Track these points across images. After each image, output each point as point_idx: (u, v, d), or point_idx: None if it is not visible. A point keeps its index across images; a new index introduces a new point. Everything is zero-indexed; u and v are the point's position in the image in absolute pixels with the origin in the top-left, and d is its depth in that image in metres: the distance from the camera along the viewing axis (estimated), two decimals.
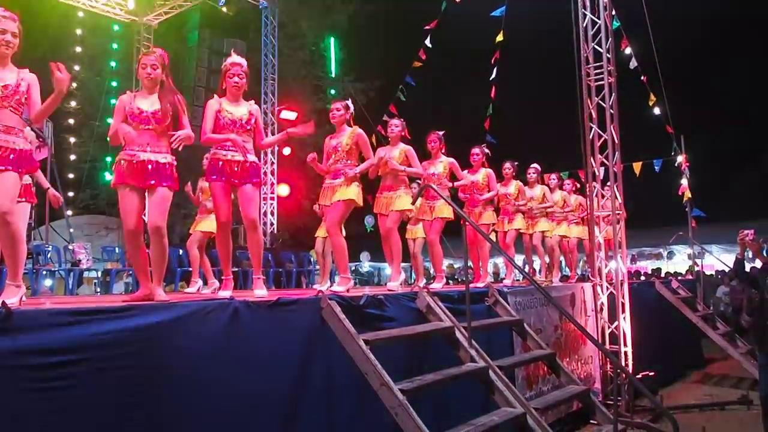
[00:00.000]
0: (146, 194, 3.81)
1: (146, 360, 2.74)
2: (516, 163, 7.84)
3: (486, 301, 5.13)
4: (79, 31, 16.21)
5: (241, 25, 15.94)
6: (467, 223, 4.54)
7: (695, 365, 9.80)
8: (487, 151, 7.15)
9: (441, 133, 6.55)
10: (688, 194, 11.48)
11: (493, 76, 11.64)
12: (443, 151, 6.50)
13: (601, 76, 7.33)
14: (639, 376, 6.96)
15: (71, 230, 12.59)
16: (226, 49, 15.00)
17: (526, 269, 13.31)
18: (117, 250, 11.19)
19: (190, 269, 6.85)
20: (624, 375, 6.55)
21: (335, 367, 3.58)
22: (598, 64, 7.38)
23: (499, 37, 10.98)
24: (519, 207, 7.65)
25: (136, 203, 3.83)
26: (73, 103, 16.23)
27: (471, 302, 4.91)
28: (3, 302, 2.30)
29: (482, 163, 7.01)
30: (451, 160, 6.45)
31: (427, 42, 11.52)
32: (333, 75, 19.90)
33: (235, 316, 3.12)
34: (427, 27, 11.84)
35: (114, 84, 15.80)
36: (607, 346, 7.17)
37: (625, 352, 7.04)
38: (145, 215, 3.79)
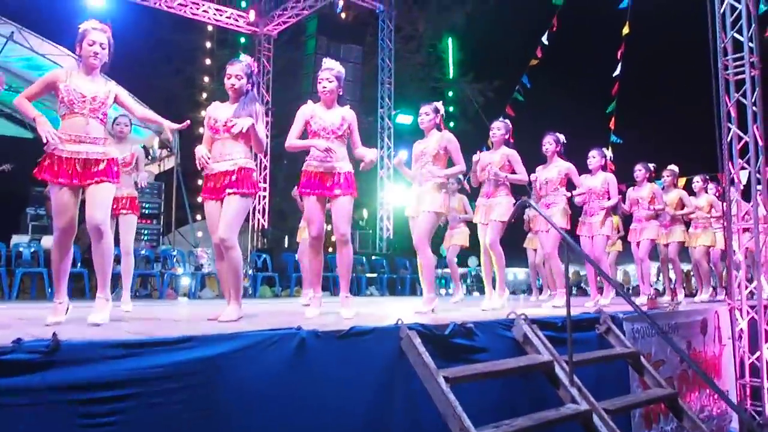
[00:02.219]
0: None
1: (203, 395, 2.61)
2: (652, 165, 7.12)
3: (596, 329, 4.58)
4: (208, 44, 17.17)
5: (358, 30, 16.06)
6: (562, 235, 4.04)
7: None
8: (608, 153, 6.53)
9: (559, 135, 6.06)
10: None
11: (617, 72, 10.78)
12: (560, 154, 6.01)
13: (742, 68, 6.40)
14: None
15: (199, 234, 13.26)
16: (343, 55, 15.16)
17: (659, 284, 12.19)
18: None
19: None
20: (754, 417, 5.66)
21: (418, 407, 3.27)
22: (738, 55, 6.46)
23: (626, 30, 10.13)
24: (655, 212, 6.94)
25: (215, 216, 3.81)
26: (203, 113, 17.20)
27: (578, 330, 4.45)
28: (53, 334, 2.24)
29: (601, 167, 6.40)
30: (568, 165, 5.94)
31: (544, 39, 10.90)
32: (451, 77, 19.58)
33: (301, 347, 2.92)
34: (553, 28, 11.18)
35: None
36: (747, 379, 6.25)
37: None
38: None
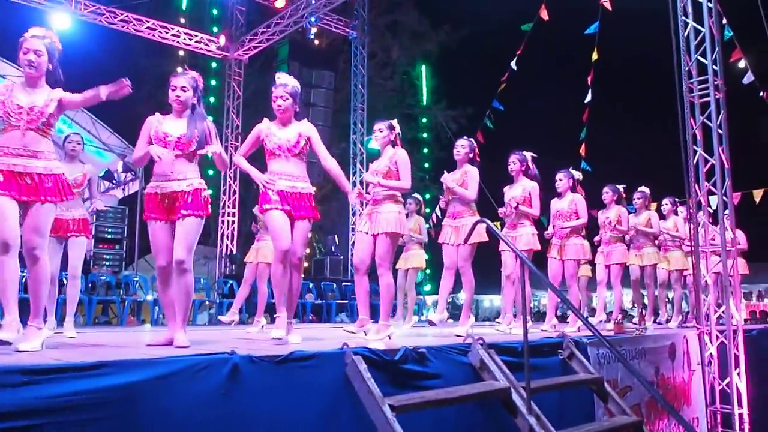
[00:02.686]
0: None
1: (120, 427, 2.37)
2: (621, 186, 7.06)
3: (559, 354, 4.41)
4: (179, 70, 16.98)
5: (331, 56, 16.04)
6: (517, 253, 3.89)
7: None
8: (576, 175, 6.45)
9: (525, 153, 5.98)
10: None
11: (588, 98, 10.81)
12: (526, 173, 5.92)
13: (707, 91, 6.39)
14: None
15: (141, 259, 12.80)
16: (315, 81, 15.12)
17: (634, 308, 12.13)
18: (202, 280, 11.31)
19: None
20: None
21: None
22: (702, 78, 6.45)
23: (594, 56, 10.17)
24: (620, 234, 6.87)
25: (165, 237, 3.60)
26: None
27: (540, 355, 4.28)
28: None
29: (570, 188, 6.32)
30: (533, 184, 5.85)
31: (513, 65, 10.92)
32: (424, 103, 19.61)
33: (234, 374, 2.69)
34: (518, 52, 11.23)
35: (211, 119, 16.35)
36: (717, 406, 6.10)
37: (740, 415, 5.95)
38: None
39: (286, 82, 4.20)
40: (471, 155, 5.49)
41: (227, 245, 13.61)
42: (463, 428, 3.49)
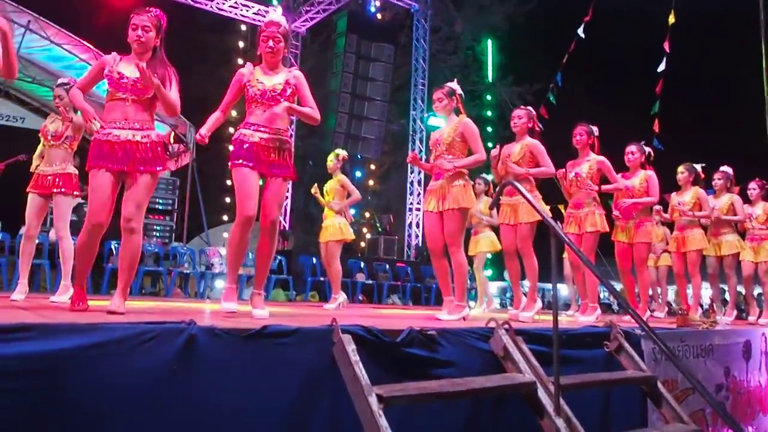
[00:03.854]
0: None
1: (43, 402, 2.01)
2: (699, 166, 6.26)
3: (605, 346, 3.79)
4: (241, 44, 16.93)
5: (391, 29, 15.50)
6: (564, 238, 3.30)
7: None
8: (648, 149, 5.74)
9: (592, 126, 5.33)
10: None
11: (662, 67, 9.84)
12: (594, 148, 5.29)
13: None
14: None
15: (225, 235, 12.81)
16: (374, 54, 14.67)
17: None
18: (250, 255, 11.15)
19: (322, 279, 6.40)
20: None
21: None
22: None
23: (671, 18, 9.19)
24: (698, 219, 6.09)
25: (110, 192, 3.22)
26: (234, 113, 16.96)
27: (581, 346, 3.69)
28: None
29: (641, 165, 5.62)
30: (601, 158, 5.22)
31: (581, 31, 10.08)
32: (489, 80, 18.79)
33: (189, 348, 2.28)
34: (586, 18, 10.41)
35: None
36: None
37: None
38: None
39: (279, 21, 3.73)
40: (530, 125, 4.93)
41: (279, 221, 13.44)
42: (474, 428, 2.97)
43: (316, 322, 2.77)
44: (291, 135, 12.15)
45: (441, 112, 4.47)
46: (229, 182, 16.47)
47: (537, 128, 4.95)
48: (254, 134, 3.57)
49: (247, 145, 3.55)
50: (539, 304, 4.77)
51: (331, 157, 6.25)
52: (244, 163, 3.51)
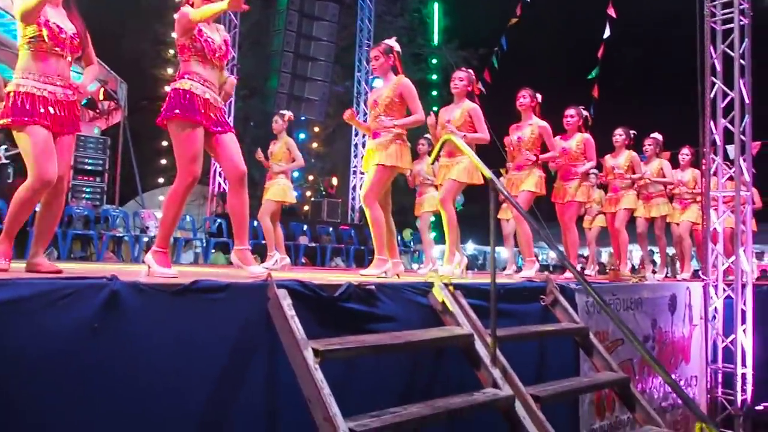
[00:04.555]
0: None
1: None
2: (633, 132, 6.39)
3: (541, 300, 3.87)
4: None
5: None
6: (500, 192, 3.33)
7: None
8: (585, 113, 5.81)
9: (534, 92, 5.33)
10: None
11: (607, 34, 9.98)
12: (536, 112, 5.30)
13: (730, 16, 5.65)
14: (761, 406, 5.38)
15: (142, 196, 12.41)
16: (318, 13, 14.31)
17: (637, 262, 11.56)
18: (188, 218, 10.85)
19: (264, 242, 6.23)
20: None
21: (282, 389, 2.55)
22: (726, 0, 5.70)
23: None
24: (632, 183, 6.24)
25: (51, 147, 3.03)
26: (170, 71, 16.27)
27: (517, 300, 3.76)
28: None
29: (578, 128, 5.70)
30: (543, 124, 5.24)
31: None
32: (435, 43, 18.68)
33: (111, 305, 2.17)
34: None
35: None
36: (720, 364, 5.60)
37: (743, 375, 5.45)
38: None
39: None
40: (470, 88, 4.89)
41: (219, 183, 13.11)
42: (413, 381, 3.00)
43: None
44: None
45: (378, 71, 4.35)
46: (164, 143, 15.94)
47: (477, 91, 4.93)
48: (206, 90, 3.36)
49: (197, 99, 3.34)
50: (458, 257, 4.70)
51: (276, 118, 6.09)
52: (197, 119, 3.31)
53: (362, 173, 14.34)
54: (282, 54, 13.79)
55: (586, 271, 6.52)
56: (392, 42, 4.35)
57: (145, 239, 9.74)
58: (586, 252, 8.65)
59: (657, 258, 7.84)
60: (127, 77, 11.30)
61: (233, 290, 2.51)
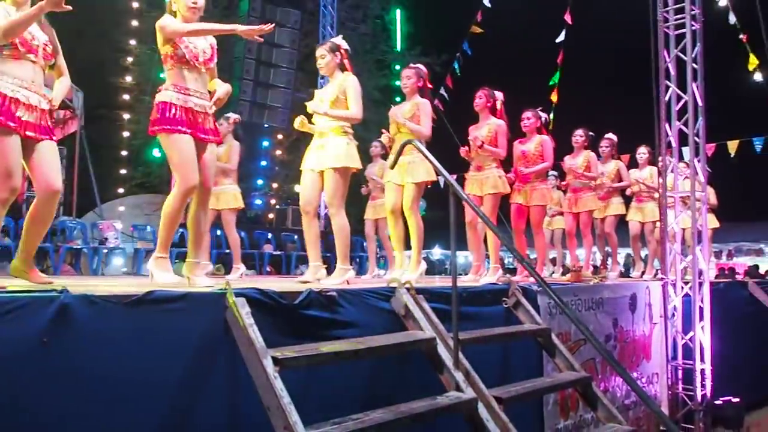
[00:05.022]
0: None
1: None
2: (591, 133, 6.47)
3: (504, 302, 3.90)
4: (136, 4, 15.93)
5: None
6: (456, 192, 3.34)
7: None
8: (544, 115, 5.85)
9: (496, 92, 5.30)
10: None
11: (562, 38, 10.16)
12: (495, 112, 5.28)
13: (683, 21, 5.80)
14: (719, 401, 5.51)
15: (100, 206, 12.18)
16: (281, 20, 14.25)
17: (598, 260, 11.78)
18: (149, 228, 10.63)
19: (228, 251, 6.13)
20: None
21: (242, 399, 2.51)
22: (678, 6, 5.85)
23: None
24: (589, 181, 6.31)
25: (18, 154, 2.95)
26: (129, 78, 15.96)
27: (481, 303, 3.77)
28: None
29: (536, 130, 5.73)
30: (500, 122, 5.21)
31: (486, 1, 10.22)
32: (398, 49, 18.78)
33: (62, 318, 2.10)
34: None
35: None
36: (679, 361, 5.72)
37: (702, 370, 5.57)
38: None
39: None
40: (420, 84, 4.84)
41: None
42: (376, 387, 2.97)
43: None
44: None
45: (325, 71, 4.18)
46: (124, 153, 15.61)
47: (427, 87, 4.87)
48: (188, 99, 3.35)
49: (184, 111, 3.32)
50: (424, 265, 4.67)
51: (221, 121, 5.79)
52: (182, 129, 3.28)
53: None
54: (244, 61, 13.70)
55: (554, 275, 6.58)
56: (339, 40, 4.24)
57: (105, 251, 9.53)
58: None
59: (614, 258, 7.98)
60: (84, 85, 11.04)
61: (190, 300, 2.46)
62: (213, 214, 5.77)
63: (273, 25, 3.43)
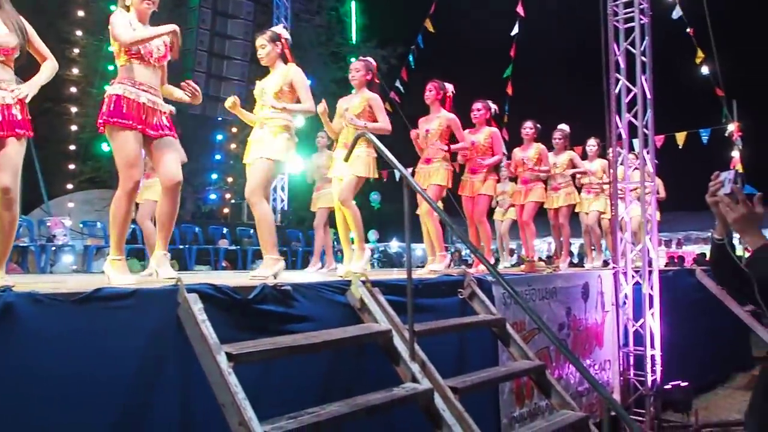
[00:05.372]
0: None
1: None
2: (538, 125, 6.54)
3: (459, 293, 3.93)
4: None
5: None
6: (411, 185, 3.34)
7: (742, 367, 8.30)
8: (493, 106, 5.86)
9: (446, 84, 5.28)
10: (740, 168, 9.93)
11: (516, 30, 10.29)
12: (443, 103, 5.26)
13: (632, 14, 5.94)
14: (669, 385, 5.69)
15: (47, 203, 11.81)
16: (233, 11, 13.98)
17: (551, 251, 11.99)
18: (99, 224, 10.33)
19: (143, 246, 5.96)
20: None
21: (196, 395, 2.46)
22: (628, 0, 5.99)
23: None
24: (540, 175, 6.37)
25: None
26: (75, 71, 15.44)
27: (436, 295, 3.79)
28: None
29: (486, 121, 5.74)
30: (451, 116, 5.19)
31: None
32: (353, 42, 18.68)
33: (6, 317, 2.03)
34: None
35: (111, 50, 14.99)
36: (631, 348, 5.89)
37: (653, 356, 5.75)
38: None
39: None
40: (369, 77, 4.77)
41: None
42: (332, 381, 2.96)
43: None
44: None
45: (266, 61, 4.02)
46: (72, 147, 15.11)
47: (376, 80, 4.82)
48: (141, 94, 3.28)
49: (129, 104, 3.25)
50: (368, 253, 4.59)
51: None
52: (132, 124, 3.20)
53: (282, 174, 14.11)
54: (196, 53, 13.39)
55: (503, 264, 6.67)
56: (279, 29, 4.12)
57: (53, 249, 9.24)
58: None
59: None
60: (27, 76, 10.61)
61: (140, 297, 2.39)
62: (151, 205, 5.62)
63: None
